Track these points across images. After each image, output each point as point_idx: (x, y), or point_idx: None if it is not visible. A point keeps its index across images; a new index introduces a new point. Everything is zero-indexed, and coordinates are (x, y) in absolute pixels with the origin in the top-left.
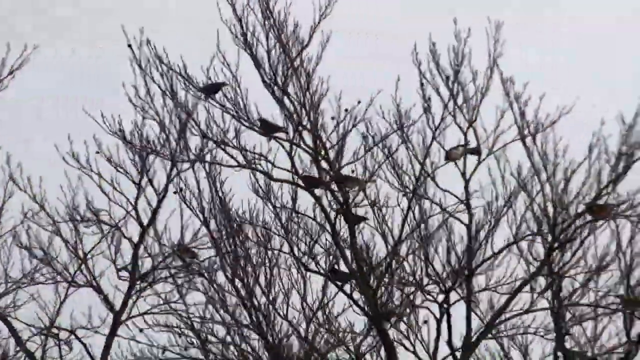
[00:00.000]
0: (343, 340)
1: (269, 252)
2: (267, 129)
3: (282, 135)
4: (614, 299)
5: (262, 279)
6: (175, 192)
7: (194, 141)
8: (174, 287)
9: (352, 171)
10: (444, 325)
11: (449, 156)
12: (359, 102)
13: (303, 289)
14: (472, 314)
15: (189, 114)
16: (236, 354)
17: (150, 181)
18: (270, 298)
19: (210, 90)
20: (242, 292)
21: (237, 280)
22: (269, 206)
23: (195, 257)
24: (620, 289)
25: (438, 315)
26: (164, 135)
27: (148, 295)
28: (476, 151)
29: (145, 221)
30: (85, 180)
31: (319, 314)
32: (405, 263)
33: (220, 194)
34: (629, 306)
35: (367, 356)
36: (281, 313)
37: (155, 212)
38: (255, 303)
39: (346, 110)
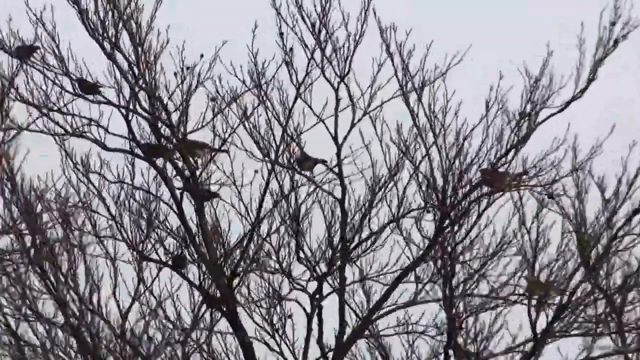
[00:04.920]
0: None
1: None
2: (88, 89)
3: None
4: (516, 285)
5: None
6: None
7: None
8: None
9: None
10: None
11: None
12: (201, 56)
13: (114, 278)
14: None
15: (10, 80)
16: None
17: None
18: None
19: (22, 53)
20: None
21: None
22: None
23: None
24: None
25: (309, 309)
26: None
27: None
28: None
29: None
30: None
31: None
32: (268, 246)
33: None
34: (533, 290)
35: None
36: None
37: None
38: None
39: (187, 67)
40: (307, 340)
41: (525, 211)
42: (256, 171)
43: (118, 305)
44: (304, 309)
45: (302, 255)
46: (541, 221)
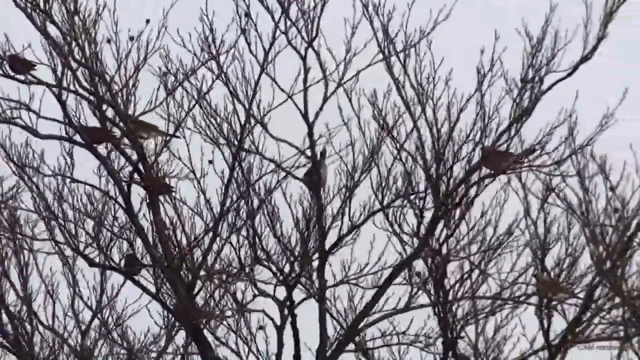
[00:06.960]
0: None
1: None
2: (20, 67)
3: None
4: (527, 284)
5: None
6: None
7: None
8: None
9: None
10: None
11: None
12: (147, 22)
13: (72, 288)
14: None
15: None
16: None
17: None
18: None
19: None
20: None
21: None
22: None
23: None
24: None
25: (279, 321)
26: None
27: None
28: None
29: None
30: None
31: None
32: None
33: None
34: (545, 289)
35: None
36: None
37: None
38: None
39: (131, 38)
40: (278, 356)
41: (529, 199)
42: (210, 161)
43: (77, 320)
44: (272, 320)
45: (261, 255)
46: (548, 211)
